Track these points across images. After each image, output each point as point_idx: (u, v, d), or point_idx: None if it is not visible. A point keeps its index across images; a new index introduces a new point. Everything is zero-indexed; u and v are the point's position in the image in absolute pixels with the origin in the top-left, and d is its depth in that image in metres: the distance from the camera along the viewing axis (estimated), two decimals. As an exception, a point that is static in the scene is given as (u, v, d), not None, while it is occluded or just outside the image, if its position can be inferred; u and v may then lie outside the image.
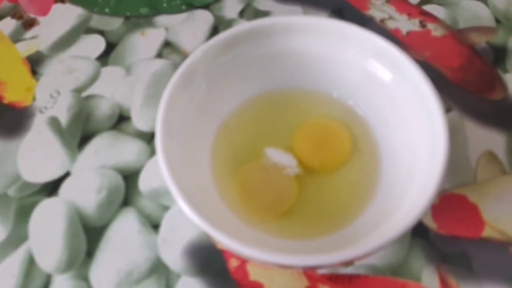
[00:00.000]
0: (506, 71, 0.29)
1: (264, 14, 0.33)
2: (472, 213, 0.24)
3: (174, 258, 0.23)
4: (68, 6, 0.34)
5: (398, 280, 0.22)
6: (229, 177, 0.23)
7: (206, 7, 0.33)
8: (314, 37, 0.23)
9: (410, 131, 0.22)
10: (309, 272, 0.23)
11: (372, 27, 0.31)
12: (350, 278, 0.23)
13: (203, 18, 0.33)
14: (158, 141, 0.20)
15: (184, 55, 0.31)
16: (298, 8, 0.33)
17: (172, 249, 0.23)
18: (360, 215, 0.22)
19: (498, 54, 0.30)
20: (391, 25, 0.32)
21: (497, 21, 0.32)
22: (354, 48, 0.23)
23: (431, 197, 0.18)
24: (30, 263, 0.23)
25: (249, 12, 0.33)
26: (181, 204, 0.18)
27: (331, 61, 0.24)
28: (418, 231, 0.24)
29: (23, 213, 0.25)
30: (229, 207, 0.22)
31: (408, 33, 0.31)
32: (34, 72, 0.30)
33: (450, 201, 0.25)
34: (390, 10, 0.32)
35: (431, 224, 0.24)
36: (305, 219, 0.22)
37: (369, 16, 0.32)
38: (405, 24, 0.31)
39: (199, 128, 0.23)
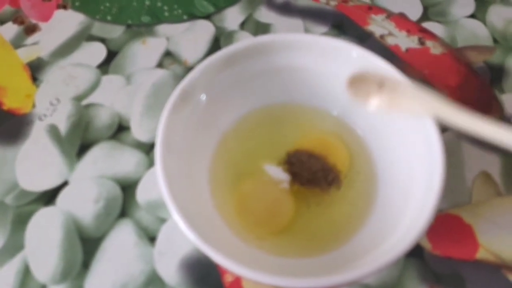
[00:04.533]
0: (502, 91, 0.29)
1: (265, 26, 0.33)
2: (467, 234, 0.24)
3: (169, 272, 0.23)
4: (70, 13, 0.34)
5: (391, 299, 0.23)
6: (227, 192, 0.23)
7: (207, 17, 0.33)
8: (312, 55, 0.24)
9: (407, 150, 0.22)
10: (303, 289, 0.23)
11: (372, 42, 0.32)
12: (344, 296, 0.23)
13: (204, 29, 0.33)
14: (158, 156, 0.20)
15: (184, 66, 0.31)
16: (299, 22, 0.33)
17: (168, 262, 0.23)
18: (356, 235, 0.22)
19: (495, 74, 0.30)
20: (390, 41, 0.32)
21: (495, 40, 0.32)
22: (352, 66, 0.23)
23: (427, 221, 0.18)
24: (26, 273, 0.23)
25: (250, 24, 0.33)
26: (177, 219, 0.19)
27: (329, 78, 0.24)
28: (413, 251, 0.23)
29: (20, 221, 0.25)
30: (226, 222, 0.22)
31: (407, 50, 0.31)
32: (35, 79, 0.30)
33: (445, 221, 0.25)
34: (390, 26, 0.33)
35: (425, 244, 0.24)
36: (301, 237, 0.23)
37: (369, 31, 0.32)
38: (404, 40, 0.32)
39: (199, 143, 0.23)
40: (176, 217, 0.19)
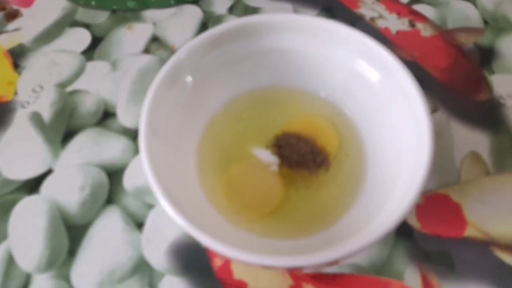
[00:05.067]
0: (492, 72, 0.29)
1: (254, 10, 0.32)
2: (455, 213, 0.24)
3: (158, 257, 0.23)
4: (52, -2, 0.33)
5: (381, 279, 0.23)
6: (215, 176, 0.23)
7: (195, 2, 0.33)
8: (302, 36, 0.23)
9: (396, 131, 0.22)
10: (293, 271, 0.23)
11: (362, 25, 0.31)
12: (334, 277, 0.23)
13: (191, 14, 0.32)
14: (142, 141, 0.20)
15: (171, 51, 0.30)
16: (288, 5, 0.33)
17: (156, 248, 0.23)
18: (345, 215, 0.22)
19: (484, 55, 0.30)
20: (380, 24, 0.32)
21: (485, 22, 0.32)
22: (342, 47, 0.23)
23: (414, 199, 0.18)
24: (9, 262, 0.23)
25: (239, 8, 0.33)
26: (164, 204, 0.18)
27: (318, 60, 0.24)
28: (402, 231, 0.24)
29: (3, 211, 0.24)
30: (214, 206, 0.22)
31: (397, 32, 0.31)
32: (16, 66, 0.30)
33: (434, 201, 0.25)
34: (380, 8, 0.32)
35: (415, 223, 0.24)
36: (290, 219, 0.23)
37: (359, 14, 0.32)
38: (394, 23, 0.31)
39: (185, 127, 0.23)
40: (162, 202, 0.18)
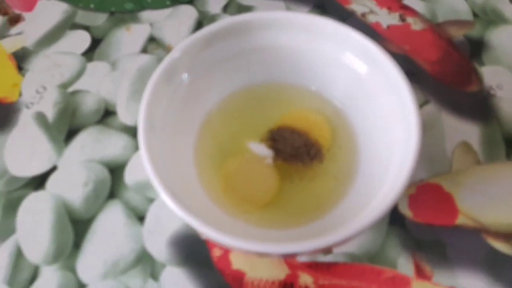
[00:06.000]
0: (482, 64, 0.30)
1: (247, 8, 0.33)
2: (447, 202, 0.25)
3: (159, 249, 0.24)
4: (53, 2, 0.34)
5: (374, 267, 0.23)
6: (212, 170, 0.24)
7: (190, 2, 0.34)
8: (292, 32, 0.24)
9: (386, 122, 0.22)
10: (289, 261, 0.24)
11: (354, 21, 0.32)
12: (329, 265, 0.23)
13: (187, 13, 0.33)
14: (141, 136, 0.20)
15: (168, 50, 0.31)
16: (281, 3, 0.33)
17: (157, 240, 0.24)
18: (339, 205, 0.23)
19: (474, 47, 0.31)
20: (372, 19, 0.32)
21: (475, 15, 0.32)
22: (331, 42, 0.23)
23: (402, 187, 0.19)
24: (18, 255, 0.24)
25: (233, 7, 0.33)
26: (163, 196, 0.19)
27: (309, 55, 0.24)
28: (395, 220, 0.25)
29: (11, 206, 0.25)
30: (212, 198, 0.23)
31: (388, 26, 0.32)
32: (20, 68, 0.31)
33: (426, 190, 0.26)
34: (371, 4, 0.33)
35: (407, 212, 0.25)
36: (286, 210, 0.23)
37: (351, 10, 0.33)
38: (385, 18, 0.32)
39: (183, 122, 0.24)
40: (162, 194, 0.19)
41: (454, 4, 0.33)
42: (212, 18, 0.33)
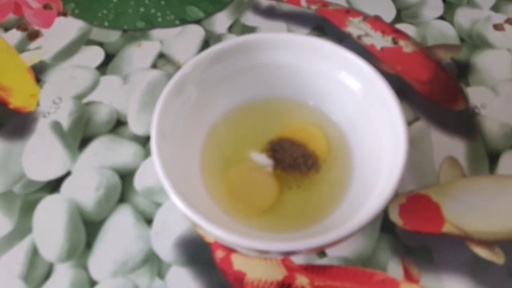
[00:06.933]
0: (468, 84, 0.32)
1: (251, 29, 0.36)
2: (434, 211, 0.27)
3: (165, 250, 0.25)
4: (70, 20, 0.36)
5: (366, 270, 0.25)
6: (216, 177, 0.26)
7: (198, 22, 0.36)
8: (293, 52, 0.26)
9: (377, 134, 0.24)
10: (287, 263, 0.25)
11: (350, 42, 0.34)
12: (324, 268, 0.25)
13: (195, 33, 0.35)
14: (153, 142, 0.22)
15: (177, 66, 0.33)
16: (282, 25, 0.36)
17: (164, 241, 0.26)
18: (334, 211, 0.24)
19: (461, 69, 0.33)
20: (367, 41, 0.34)
21: (462, 39, 0.35)
22: (328, 61, 0.25)
23: (391, 192, 0.20)
24: (34, 253, 0.25)
25: (237, 27, 0.36)
26: (174, 198, 0.20)
27: (307, 72, 0.26)
28: (386, 227, 0.26)
29: (28, 208, 0.27)
30: (216, 203, 0.24)
31: (382, 48, 0.34)
32: (38, 80, 0.32)
33: (415, 201, 0.27)
34: (366, 27, 0.35)
35: (398, 221, 0.26)
36: (285, 215, 0.25)
37: (347, 33, 0.35)
38: (379, 40, 0.34)
39: (190, 132, 0.25)
40: (172, 195, 0.20)
41: (443, 29, 0.35)
42: (218, 38, 0.35)
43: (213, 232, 0.20)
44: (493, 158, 0.29)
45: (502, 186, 0.27)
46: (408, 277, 0.25)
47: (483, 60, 0.33)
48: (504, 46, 0.34)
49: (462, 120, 0.30)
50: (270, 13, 0.37)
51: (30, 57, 0.34)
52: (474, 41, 0.34)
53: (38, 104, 0.31)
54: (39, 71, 0.33)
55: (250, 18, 0.36)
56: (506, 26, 0.35)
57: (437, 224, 0.26)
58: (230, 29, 0.35)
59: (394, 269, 0.25)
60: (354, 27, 0.35)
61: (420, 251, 0.25)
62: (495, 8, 0.36)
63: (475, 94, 0.31)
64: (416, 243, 0.26)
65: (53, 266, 0.25)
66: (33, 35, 0.35)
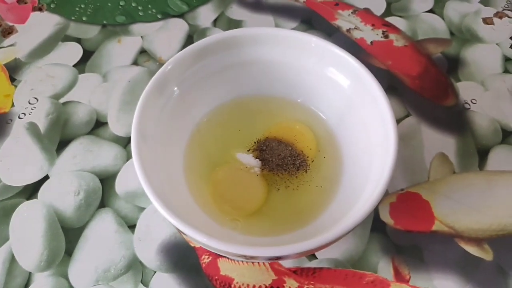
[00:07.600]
0: (458, 79, 0.32)
1: (237, 22, 0.34)
2: (425, 210, 0.26)
3: (149, 256, 0.25)
4: (46, 14, 0.35)
5: (357, 272, 0.24)
6: (201, 178, 0.25)
7: (181, 16, 0.35)
8: (279, 47, 0.25)
9: (367, 132, 0.23)
10: (275, 266, 0.24)
11: (339, 36, 0.34)
12: (314, 270, 0.24)
13: (178, 27, 0.34)
14: (133, 145, 0.21)
15: (159, 63, 0.32)
16: (269, 18, 0.35)
17: (147, 247, 0.25)
18: (324, 212, 0.24)
19: (451, 64, 0.32)
20: (356, 35, 0.34)
21: (452, 33, 0.34)
22: (315, 57, 0.25)
23: (379, 195, 0.20)
24: (12, 262, 0.24)
25: (223, 21, 0.35)
26: (155, 203, 0.20)
27: (294, 69, 0.26)
28: (377, 227, 0.26)
29: (4, 215, 0.26)
30: (201, 206, 0.24)
31: (372, 42, 0.33)
32: (13, 79, 0.31)
33: (406, 199, 0.27)
34: (356, 20, 0.35)
35: (388, 220, 0.26)
36: (271, 218, 0.24)
37: (337, 26, 0.34)
38: (369, 34, 0.34)
39: (173, 133, 0.25)
40: (154, 200, 0.20)
41: (433, 23, 0.35)
42: (203, 32, 0.34)
43: (196, 238, 0.19)
44: (482, 154, 0.28)
45: (491, 182, 0.27)
46: (398, 277, 0.24)
47: (473, 54, 0.33)
48: (494, 40, 0.34)
49: (452, 116, 0.30)
50: (257, 6, 0.35)
51: (4, 55, 0.32)
52: (464, 35, 0.34)
53: (12, 105, 0.30)
54: (13, 70, 0.32)
55: (236, 11, 0.35)
56: (495, 20, 0.35)
57: (427, 223, 0.26)
58: (215, 23, 0.34)
59: (385, 270, 0.24)
60: (344, 20, 0.34)
61: (410, 249, 0.25)
62: (484, 2, 0.36)
63: (465, 89, 0.31)
64: (407, 242, 0.25)
65: (32, 275, 0.24)
66: (7, 32, 0.33)
